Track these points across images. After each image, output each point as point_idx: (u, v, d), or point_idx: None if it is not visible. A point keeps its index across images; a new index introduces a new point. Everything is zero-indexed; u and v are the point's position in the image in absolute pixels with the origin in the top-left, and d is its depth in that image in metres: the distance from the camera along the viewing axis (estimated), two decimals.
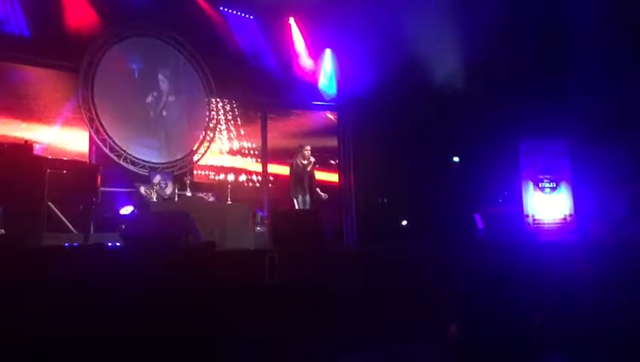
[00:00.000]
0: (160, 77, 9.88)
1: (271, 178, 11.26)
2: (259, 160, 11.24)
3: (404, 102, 10.68)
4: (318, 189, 8.72)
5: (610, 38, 9.53)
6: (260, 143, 11.29)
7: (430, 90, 10.56)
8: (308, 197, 8.60)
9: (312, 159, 8.71)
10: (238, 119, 11.08)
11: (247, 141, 11.15)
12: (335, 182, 11.99)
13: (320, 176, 10.63)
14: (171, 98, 10.01)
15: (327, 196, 8.78)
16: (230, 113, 11.00)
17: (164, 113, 9.88)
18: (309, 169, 8.66)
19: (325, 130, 12.08)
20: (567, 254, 4.93)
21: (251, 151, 11.18)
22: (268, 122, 11.45)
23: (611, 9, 9.44)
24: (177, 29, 10.04)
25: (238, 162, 10.99)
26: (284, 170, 10.65)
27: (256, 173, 11.19)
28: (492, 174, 10.93)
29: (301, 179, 8.62)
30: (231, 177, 9.78)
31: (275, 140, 11.39)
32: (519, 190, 10.69)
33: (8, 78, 8.49)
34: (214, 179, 10.49)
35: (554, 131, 10.61)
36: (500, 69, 10.34)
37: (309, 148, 8.75)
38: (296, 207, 8.52)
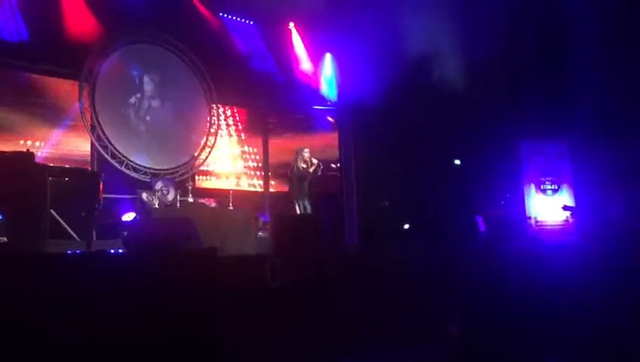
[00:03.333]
0: (145, 79, 9.87)
1: (272, 183, 11.30)
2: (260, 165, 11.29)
3: (405, 105, 10.69)
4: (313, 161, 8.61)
5: (610, 39, 9.53)
6: (261, 148, 11.32)
7: (430, 93, 10.56)
8: (307, 203, 8.56)
9: (315, 161, 8.66)
10: (239, 124, 11.11)
11: (248, 146, 11.18)
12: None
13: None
14: (164, 103, 10.00)
15: (321, 165, 8.68)
16: (231, 118, 11.02)
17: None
18: (311, 171, 8.64)
19: (326, 134, 12.10)
20: (569, 255, 4.93)
21: (252, 156, 11.21)
22: (269, 127, 11.48)
23: (611, 9, 9.45)
24: (178, 36, 10.07)
25: (240, 168, 11.03)
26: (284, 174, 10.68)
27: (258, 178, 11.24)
28: (494, 176, 10.93)
29: (302, 182, 8.61)
30: (233, 183, 9.79)
31: (275, 145, 11.41)
32: (521, 192, 10.70)
33: (9, 85, 8.52)
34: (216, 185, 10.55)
35: (555, 133, 10.62)
36: (500, 71, 10.34)
37: (307, 150, 8.73)
38: (297, 211, 8.52)
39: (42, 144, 8.66)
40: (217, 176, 10.71)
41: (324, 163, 9.21)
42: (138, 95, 9.74)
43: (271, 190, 11.29)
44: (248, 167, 11.16)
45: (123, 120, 9.51)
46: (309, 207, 8.55)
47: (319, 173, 8.72)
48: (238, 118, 11.13)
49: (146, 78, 9.85)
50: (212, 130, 10.51)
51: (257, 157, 11.28)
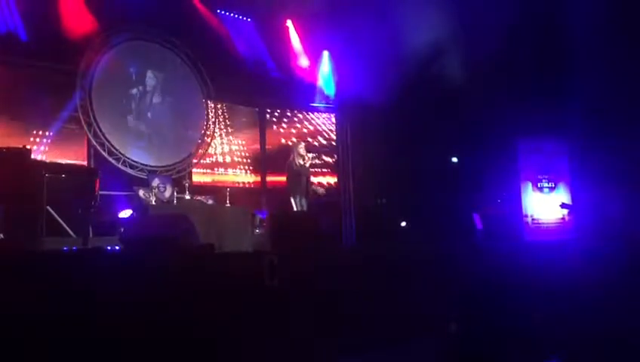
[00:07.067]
0: (149, 74, 9.84)
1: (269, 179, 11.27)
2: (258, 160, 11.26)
3: (402, 102, 10.68)
4: (314, 187, 8.63)
5: (609, 38, 9.54)
6: (258, 145, 11.30)
7: (428, 91, 10.56)
8: (304, 199, 8.53)
9: (310, 155, 8.64)
10: (237, 121, 11.08)
11: (245, 142, 11.15)
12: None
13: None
14: (165, 99, 9.98)
15: (324, 191, 8.68)
16: (228, 115, 10.99)
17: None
18: (307, 165, 8.61)
19: (324, 132, 12.08)
20: (566, 254, 4.94)
21: (249, 153, 11.19)
22: (266, 124, 11.45)
23: (610, 8, 9.46)
24: (175, 33, 10.04)
25: (237, 164, 11.01)
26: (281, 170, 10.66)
27: (254, 180, 11.20)
28: (491, 174, 10.94)
29: (299, 178, 8.57)
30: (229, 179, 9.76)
31: (273, 142, 11.39)
32: (518, 190, 10.71)
33: (5, 81, 8.48)
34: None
35: (552, 131, 10.63)
36: (499, 69, 10.34)
37: (303, 145, 8.70)
38: (294, 207, 8.49)
39: (38, 141, 8.61)
40: (214, 172, 10.68)
41: (321, 159, 9.22)
42: (140, 87, 9.72)
43: (269, 180, 11.24)
44: (245, 164, 11.13)
45: (121, 117, 9.48)
46: (305, 204, 8.51)
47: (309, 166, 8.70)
48: (235, 115, 11.09)
49: (149, 73, 9.82)
50: (209, 127, 10.49)
51: (254, 154, 11.24)
